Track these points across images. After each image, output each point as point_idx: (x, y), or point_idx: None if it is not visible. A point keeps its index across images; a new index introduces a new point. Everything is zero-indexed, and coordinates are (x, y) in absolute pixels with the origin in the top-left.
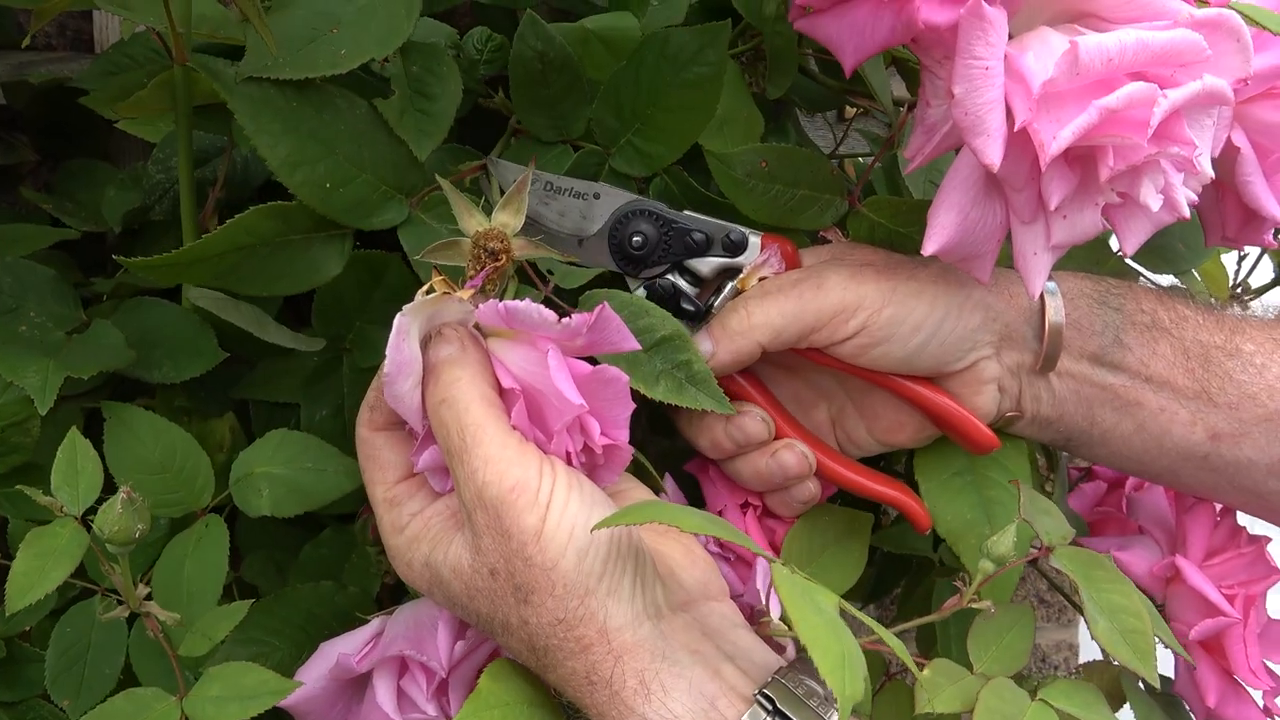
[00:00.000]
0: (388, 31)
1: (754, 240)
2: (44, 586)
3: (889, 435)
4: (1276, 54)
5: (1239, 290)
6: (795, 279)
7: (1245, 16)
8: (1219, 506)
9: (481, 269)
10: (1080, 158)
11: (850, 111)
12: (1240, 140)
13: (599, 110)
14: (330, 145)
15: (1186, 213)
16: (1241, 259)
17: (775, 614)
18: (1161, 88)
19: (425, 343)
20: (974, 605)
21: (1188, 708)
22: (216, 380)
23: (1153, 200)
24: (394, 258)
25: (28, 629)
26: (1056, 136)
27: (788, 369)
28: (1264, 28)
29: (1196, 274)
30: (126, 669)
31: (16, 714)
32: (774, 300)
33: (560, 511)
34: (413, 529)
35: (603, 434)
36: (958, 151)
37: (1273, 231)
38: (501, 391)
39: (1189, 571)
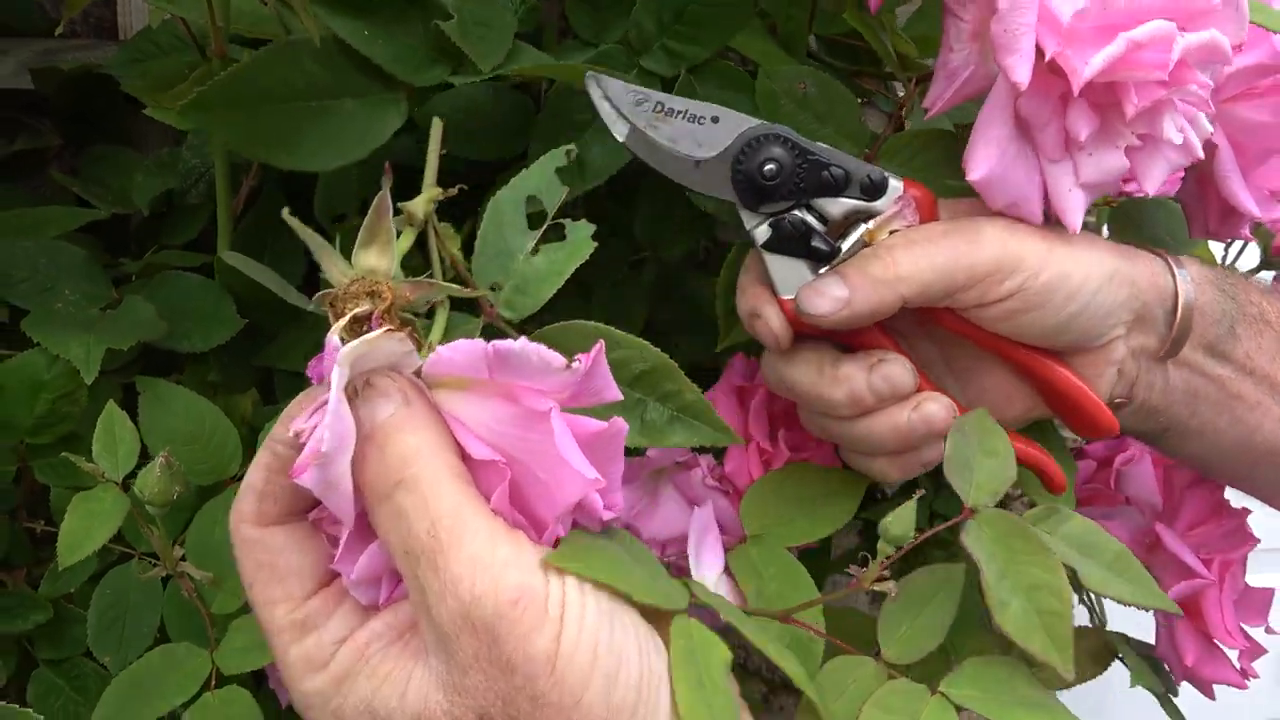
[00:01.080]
0: None
1: (894, 184)
2: (90, 545)
3: (991, 414)
4: (1258, 53)
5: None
6: (945, 229)
7: None
8: (1220, 487)
9: (363, 327)
10: (1098, 104)
11: None
12: (1219, 138)
13: (640, 13)
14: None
15: (1200, 154)
16: (1229, 244)
17: (709, 575)
18: None
19: (350, 398)
20: (878, 588)
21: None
22: (240, 352)
23: (1174, 135)
24: None
25: (72, 591)
26: (1088, 63)
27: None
28: (1261, 24)
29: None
30: (161, 626)
31: (63, 671)
32: (924, 250)
33: (577, 625)
34: (341, 663)
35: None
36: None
37: (1250, 226)
38: (468, 462)
39: (1167, 537)
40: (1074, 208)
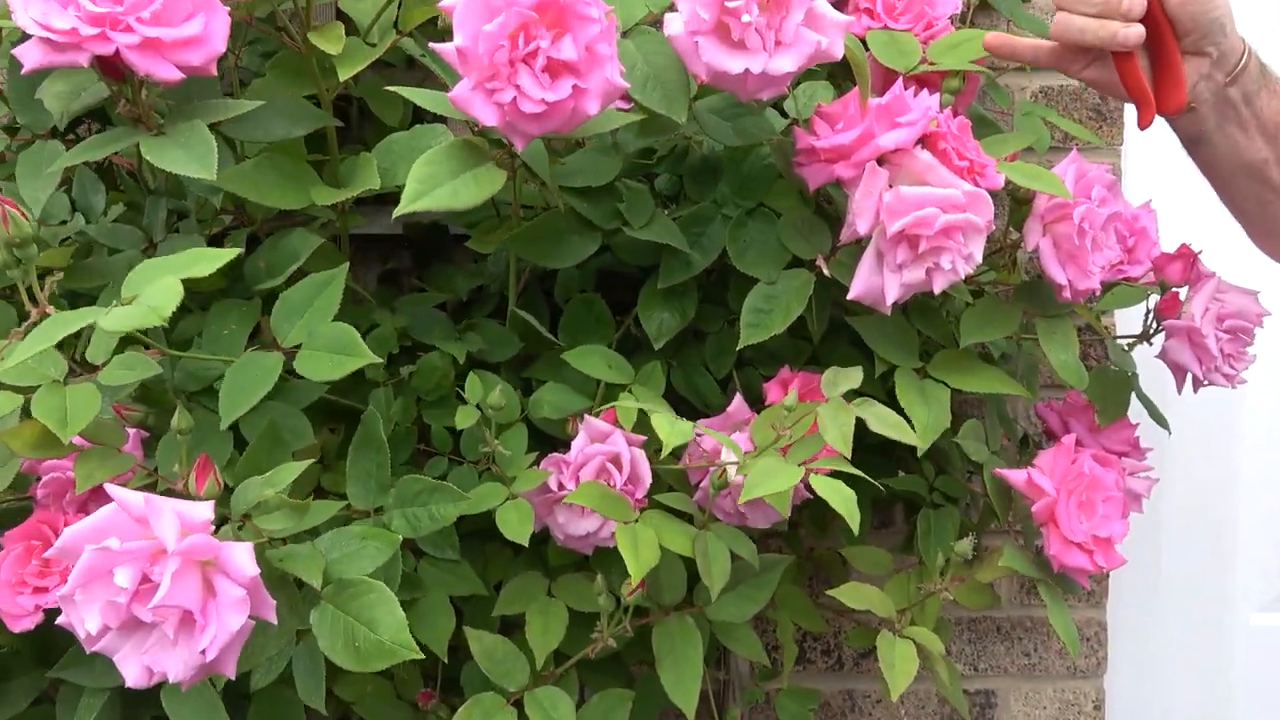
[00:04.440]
0: None
1: None
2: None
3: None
4: (1064, 198)
5: (1150, 330)
6: None
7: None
8: (1084, 459)
9: None
10: (911, 244)
11: None
12: (1045, 243)
13: (723, 184)
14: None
15: (961, 276)
16: (1148, 313)
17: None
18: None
19: None
20: None
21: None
22: (517, 368)
23: (946, 264)
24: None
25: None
26: (896, 223)
27: None
28: (1053, 190)
29: (1080, 314)
30: None
31: None
32: None
33: None
34: None
35: None
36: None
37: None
38: None
39: (1034, 475)
40: (892, 295)
